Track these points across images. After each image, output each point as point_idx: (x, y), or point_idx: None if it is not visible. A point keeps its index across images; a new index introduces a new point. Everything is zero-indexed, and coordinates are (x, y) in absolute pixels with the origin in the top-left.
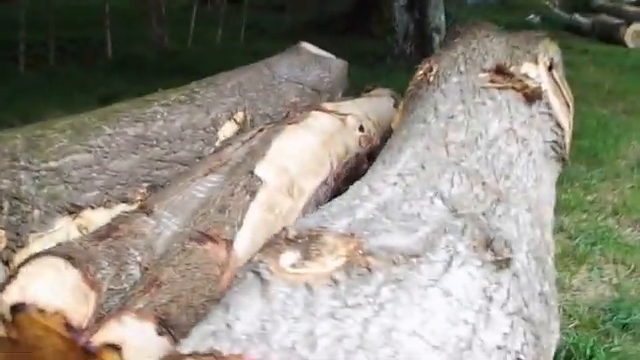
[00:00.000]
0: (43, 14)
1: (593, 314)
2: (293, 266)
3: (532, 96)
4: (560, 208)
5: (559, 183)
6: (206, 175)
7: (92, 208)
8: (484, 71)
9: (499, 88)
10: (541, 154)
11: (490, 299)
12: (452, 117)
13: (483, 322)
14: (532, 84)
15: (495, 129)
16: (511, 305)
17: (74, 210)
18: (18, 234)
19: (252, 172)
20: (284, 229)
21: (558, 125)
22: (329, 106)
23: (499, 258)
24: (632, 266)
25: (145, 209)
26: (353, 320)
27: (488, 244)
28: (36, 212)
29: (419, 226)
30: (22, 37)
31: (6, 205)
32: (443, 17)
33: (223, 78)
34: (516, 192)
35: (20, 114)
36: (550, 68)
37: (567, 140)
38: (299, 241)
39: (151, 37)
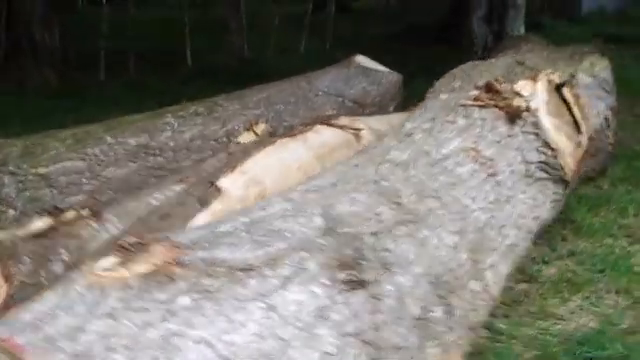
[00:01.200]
0: (124, 24)
1: (561, 346)
2: (105, 270)
3: (513, 115)
4: (583, 231)
5: (596, 205)
6: (174, 184)
7: (75, 211)
8: (477, 88)
9: (480, 106)
10: (516, 175)
11: (324, 318)
12: (409, 135)
13: (301, 340)
14: (517, 102)
15: (450, 149)
16: (351, 326)
17: (55, 212)
18: None
19: (212, 183)
20: (122, 236)
21: (547, 145)
22: (343, 120)
23: (353, 279)
24: (638, 297)
25: (94, 213)
26: (131, 322)
27: (351, 264)
28: (11, 212)
29: (276, 242)
30: (102, 46)
31: None
32: (523, 29)
33: (254, 90)
34: (444, 213)
35: (95, 121)
36: (561, 86)
37: (569, 160)
38: (130, 248)
39: (230, 47)
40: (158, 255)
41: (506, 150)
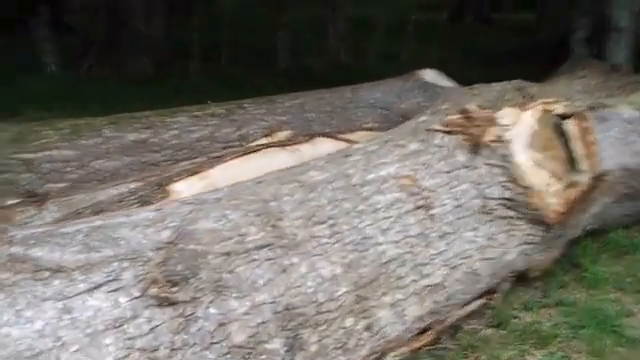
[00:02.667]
0: (220, 19)
1: None
2: None
3: (475, 144)
4: (586, 280)
5: (617, 254)
6: (130, 182)
7: (52, 196)
8: (459, 112)
9: (446, 132)
10: (464, 210)
11: (116, 329)
12: (347, 156)
13: (81, 345)
14: (488, 131)
15: (379, 175)
16: (144, 341)
17: (31, 195)
18: None
19: (160, 185)
20: None
21: (515, 181)
22: (354, 135)
23: (165, 295)
24: None
25: (38, 201)
26: None
27: (175, 281)
28: None
29: (105, 249)
30: (196, 39)
31: None
32: (625, 53)
33: (288, 96)
34: (332, 242)
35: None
36: (564, 117)
37: (552, 200)
38: None
39: (327, 50)
40: None
41: (455, 182)
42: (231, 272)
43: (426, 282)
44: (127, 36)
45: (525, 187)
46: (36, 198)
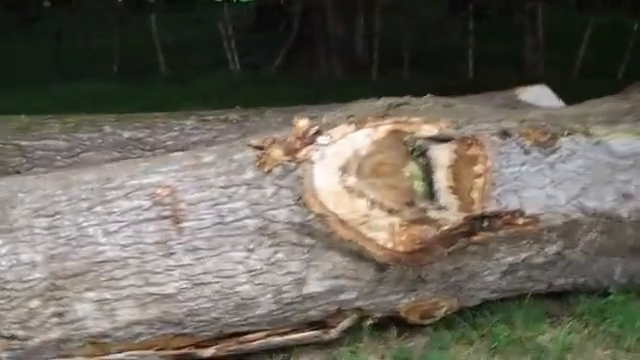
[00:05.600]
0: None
1: None
2: None
3: (262, 162)
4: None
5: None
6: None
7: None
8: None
9: (257, 147)
10: (231, 228)
11: None
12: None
13: None
14: (288, 149)
15: (139, 182)
16: None
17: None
18: None
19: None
20: None
21: (306, 206)
22: None
23: None
24: None
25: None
26: None
27: None
28: None
29: None
30: (375, 47)
31: None
32: None
33: (316, 108)
34: (40, 232)
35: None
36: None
37: (371, 235)
38: None
39: (525, 63)
40: None
41: (226, 199)
42: None
43: (153, 290)
44: (321, 37)
45: (318, 214)
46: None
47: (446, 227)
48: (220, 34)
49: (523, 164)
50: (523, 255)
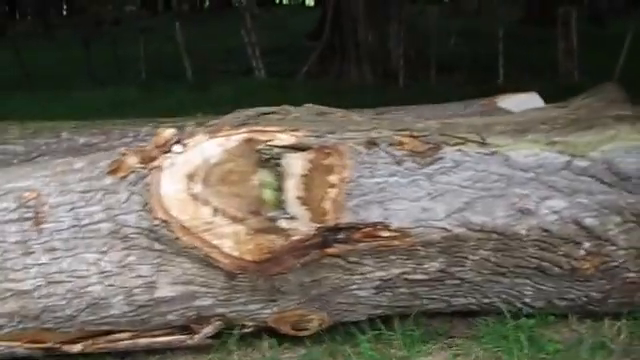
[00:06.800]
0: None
1: None
2: None
3: (115, 169)
4: None
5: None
6: None
7: None
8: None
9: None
10: (86, 231)
11: None
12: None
13: None
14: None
15: (14, 185)
16: None
17: None
18: None
19: None
20: None
21: (151, 212)
22: None
23: None
24: None
25: None
26: None
27: None
28: None
29: None
30: (400, 53)
31: None
32: None
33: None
34: None
35: None
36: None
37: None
38: None
39: (559, 69)
40: None
41: (83, 203)
42: None
43: (11, 286)
44: (352, 44)
45: (163, 220)
46: None
47: (296, 238)
48: (244, 41)
49: (393, 175)
50: (396, 271)
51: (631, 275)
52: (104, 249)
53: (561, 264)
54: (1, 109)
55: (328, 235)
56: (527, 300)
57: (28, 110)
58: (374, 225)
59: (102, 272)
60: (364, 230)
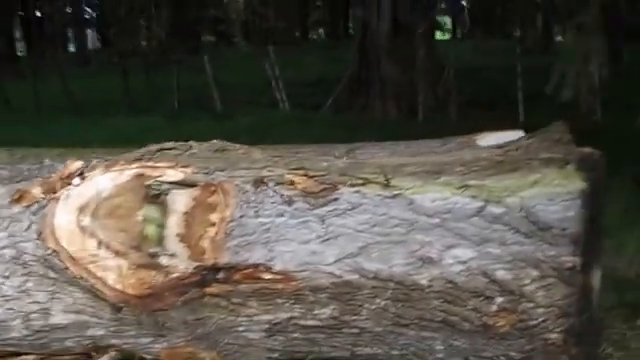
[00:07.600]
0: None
1: None
2: None
3: (18, 198)
4: None
5: None
6: None
7: None
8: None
9: None
10: None
11: None
12: None
13: None
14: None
15: None
16: None
17: None
18: None
19: None
20: None
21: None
22: None
23: None
24: None
25: None
26: None
27: None
28: None
29: None
30: (421, 88)
31: None
32: None
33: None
34: None
35: None
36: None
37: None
38: None
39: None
40: None
41: None
42: None
43: None
44: (376, 79)
45: (54, 250)
46: None
47: (175, 275)
48: (269, 75)
49: (280, 215)
50: (285, 315)
51: (553, 336)
52: (6, 274)
53: (471, 319)
54: (46, 132)
55: (207, 274)
56: (440, 355)
57: (68, 134)
58: (255, 266)
59: (3, 296)
60: (244, 271)
